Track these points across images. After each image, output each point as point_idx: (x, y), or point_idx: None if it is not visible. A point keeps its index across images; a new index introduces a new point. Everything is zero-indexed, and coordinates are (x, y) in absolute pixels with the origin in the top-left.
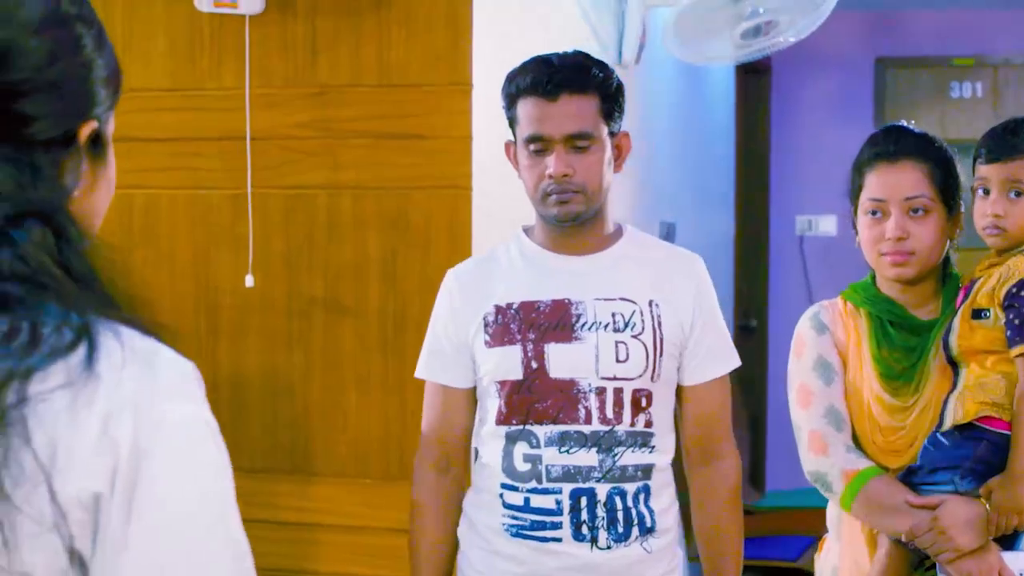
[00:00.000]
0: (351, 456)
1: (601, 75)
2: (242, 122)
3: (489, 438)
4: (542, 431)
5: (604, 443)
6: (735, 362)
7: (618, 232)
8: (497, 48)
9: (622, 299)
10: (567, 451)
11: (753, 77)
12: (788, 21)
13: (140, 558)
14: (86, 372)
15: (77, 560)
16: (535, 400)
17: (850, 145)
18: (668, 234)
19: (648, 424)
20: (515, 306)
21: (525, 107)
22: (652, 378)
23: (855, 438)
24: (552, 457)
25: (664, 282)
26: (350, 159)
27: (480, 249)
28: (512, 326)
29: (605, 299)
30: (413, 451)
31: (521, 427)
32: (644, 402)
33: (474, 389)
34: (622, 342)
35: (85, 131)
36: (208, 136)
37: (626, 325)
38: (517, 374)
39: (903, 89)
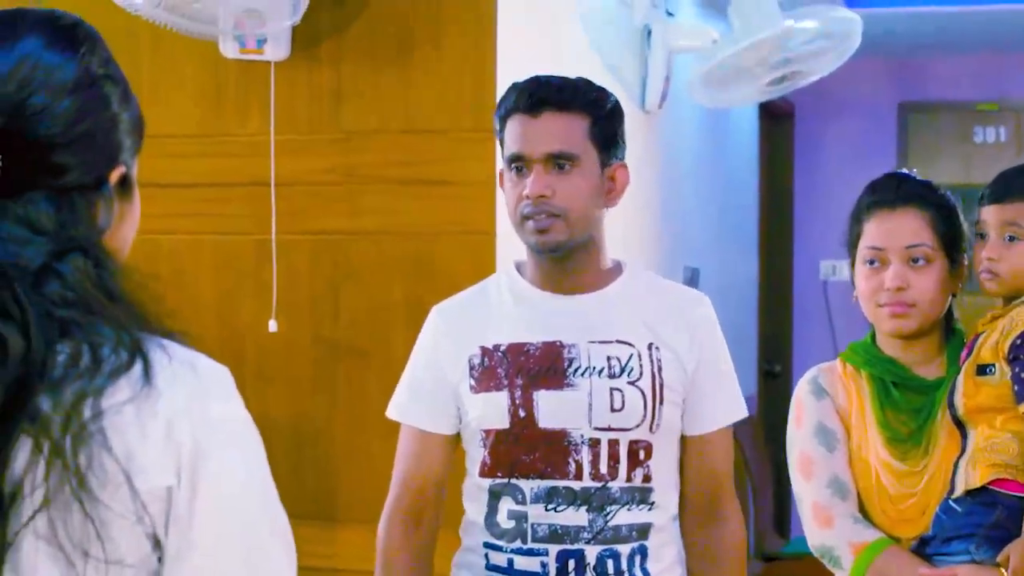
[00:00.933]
0: (376, 501)
1: (593, 95)
2: (267, 168)
3: (474, 491)
4: (528, 486)
5: (596, 501)
6: (742, 412)
7: (617, 269)
8: None
9: (619, 342)
10: (554, 509)
11: (777, 122)
12: (814, 69)
13: (205, 532)
14: (147, 386)
15: (156, 544)
16: (522, 452)
17: None
18: (692, 279)
19: (647, 479)
20: (503, 348)
21: (511, 126)
22: (651, 428)
23: (862, 509)
24: (538, 515)
25: (665, 324)
26: (375, 205)
27: None
28: (499, 370)
29: (600, 342)
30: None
31: (506, 481)
32: (642, 454)
33: (455, 436)
34: (618, 389)
35: (114, 176)
36: (233, 182)
37: (623, 370)
38: (503, 423)
39: (926, 134)
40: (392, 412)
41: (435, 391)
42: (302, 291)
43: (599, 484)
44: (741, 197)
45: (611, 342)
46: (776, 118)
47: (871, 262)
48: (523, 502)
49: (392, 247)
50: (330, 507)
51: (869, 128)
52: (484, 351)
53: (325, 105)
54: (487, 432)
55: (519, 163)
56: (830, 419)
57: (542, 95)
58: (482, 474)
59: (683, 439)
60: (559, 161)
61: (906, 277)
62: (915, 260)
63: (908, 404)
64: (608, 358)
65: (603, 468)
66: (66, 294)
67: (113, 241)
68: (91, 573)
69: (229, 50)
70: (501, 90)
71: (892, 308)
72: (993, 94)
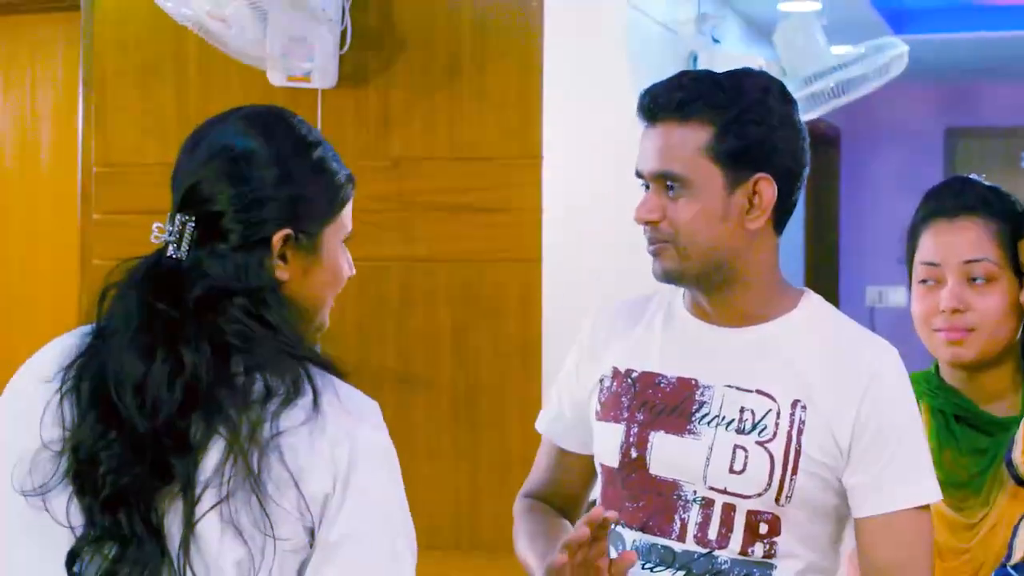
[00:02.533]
0: (422, 528)
1: (720, 99)
2: None
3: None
4: (630, 537)
5: (697, 568)
6: (925, 495)
7: (792, 301)
8: (567, 122)
9: (759, 392)
10: (651, 568)
11: (823, 147)
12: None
13: (349, 530)
14: (316, 411)
15: (311, 535)
16: (627, 498)
17: None
18: None
19: (769, 555)
20: (635, 375)
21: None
22: (779, 500)
23: None
24: (634, 571)
25: (824, 378)
26: (422, 231)
27: (551, 321)
28: (623, 399)
29: (738, 388)
30: (484, 523)
31: (611, 527)
32: (764, 528)
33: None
34: (742, 447)
35: (277, 238)
36: None
37: (753, 427)
38: (614, 460)
39: (974, 160)
40: (538, 423)
41: (573, 407)
42: (349, 317)
43: (704, 551)
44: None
45: (750, 391)
46: (822, 143)
47: (925, 280)
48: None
49: (439, 274)
50: None
51: (916, 154)
52: (615, 373)
53: (372, 132)
54: (603, 468)
55: (641, 180)
56: None
57: (661, 100)
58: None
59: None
60: (666, 182)
61: (964, 297)
62: (975, 278)
63: (970, 444)
64: (741, 409)
65: (711, 533)
66: (233, 327)
67: (298, 290)
68: (261, 550)
69: (277, 78)
70: (547, 116)
71: (948, 333)
72: None
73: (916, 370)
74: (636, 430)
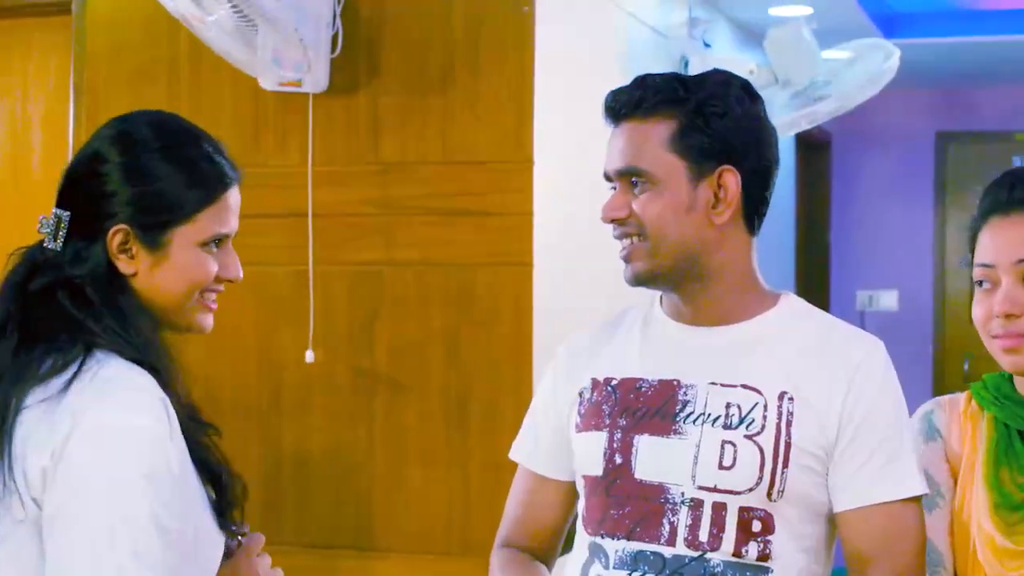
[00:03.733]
0: (414, 532)
1: (679, 93)
2: (304, 199)
3: (578, 547)
4: (613, 547)
5: (688, 573)
6: (911, 487)
7: (771, 301)
8: (559, 126)
9: (744, 387)
10: None
11: (814, 152)
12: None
13: (60, 504)
14: (64, 389)
15: (37, 505)
16: (611, 506)
17: (911, 219)
18: None
19: (764, 557)
20: (614, 382)
21: None
22: (770, 495)
23: None
24: None
25: (809, 370)
26: (413, 236)
27: (542, 326)
28: (604, 407)
29: (722, 385)
30: (477, 527)
31: (595, 538)
32: (757, 526)
33: (573, 484)
34: (730, 442)
35: (111, 233)
36: (271, 213)
37: (740, 421)
38: (597, 469)
39: (964, 163)
40: (512, 452)
41: (551, 432)
42: (340, 322)
43: (695, 554)
44: (777, 227)
45: (735, 387)
46: (813, 148)
47: (981, 283)
48: (607, 566)
49: (430, 278)
50: (368, 538)
51: (907, 158)
52: (595, 384)
53: (363, 137)
54: (585, 479)
55: (609, 183)
56: (937, 468)
57: (623, 99)
58: (583, 527)
59: (834, 516)
60: (631, 179)
61: (1019, 300)
62: None
63: None
64: (727, 405)
65: (702, 535)
66: (52, 313)
67: (144, 284)
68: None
69: (268, 82)
70: (539, 121)
71: (1003, 341)
72: None
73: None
74: (619, 436)
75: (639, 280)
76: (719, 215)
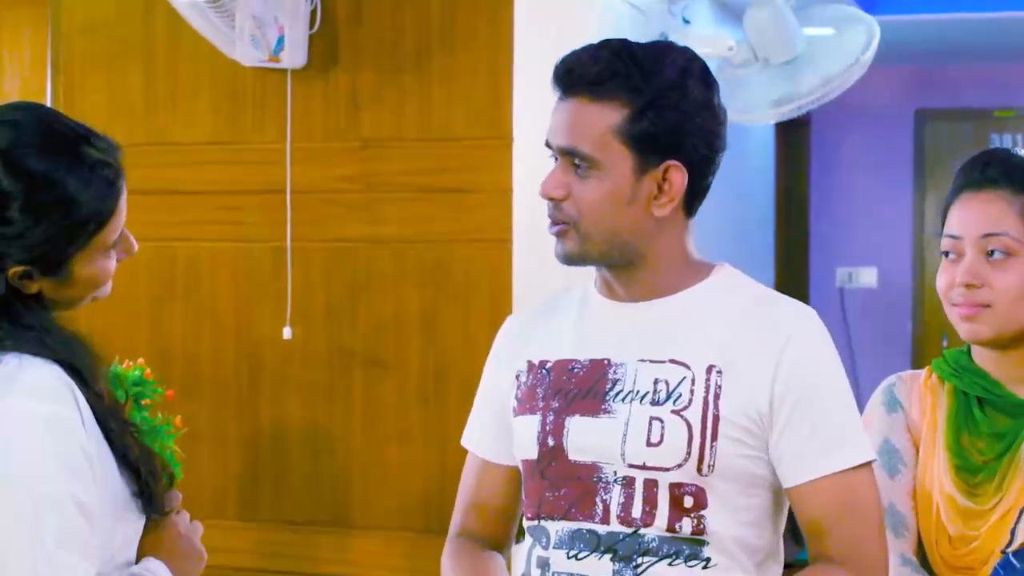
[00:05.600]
0: (392, 509)
1: (634, 81)
2: (283, 176)
3: (526, 533)
4: (553, 528)
5: (623, 549)
6: (858, 454)
7: (703, 272)
8: (538, 102)
9: (672, 362)
10: (575, 556)
11: (792, 129)
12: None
13: None
14: None
15: None
16: (547, 488)
17: (890, 196)
18: None
19: (698, 531)
20: (548, 365)
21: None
22: (700, 469)
23: (921, 548)
24: (559, 562)
25: (740, 343)
26: (391, 213)
27: (522, 303)
28: (538, 390)
29: (651, 361)
30: (453, 504)
31: (536, 522)
32: (689, 502)
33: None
34: (657, 418)
35: (11, 274)
36: (250, 190)
37: (668, 397)
38: (532, 452)
39: (943, 141)
40: (463, 438)
41: (494, 414)
42: (318, 299)
43: (629, 530)
44: (756, 205)
45: (663, 362)
46: (791, 125)
47: (947, 254)
48: (547, 547)
49: (408, 255)
50: (346, 515)
51: (886, 135)
52: (530, 367)
53: (342, 113)
54: (523, 463)
55: (550, 152)
56: (898, 437)
57: (576, 72)
58: (525, 512)
59: (787, 493)
60: (574, 160)
61: (979, 272)
62: (991, 252)
63: (990, 427)
64: (655, 381)
65: (635, 512)
66: None
67: (58, 297)
68: None
69: (246, 58)
70: (518, 98)
71: (962, 309)
72: (1010, 101)
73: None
74: (552, 418)
75: (569, 260)
76: (660, 208)
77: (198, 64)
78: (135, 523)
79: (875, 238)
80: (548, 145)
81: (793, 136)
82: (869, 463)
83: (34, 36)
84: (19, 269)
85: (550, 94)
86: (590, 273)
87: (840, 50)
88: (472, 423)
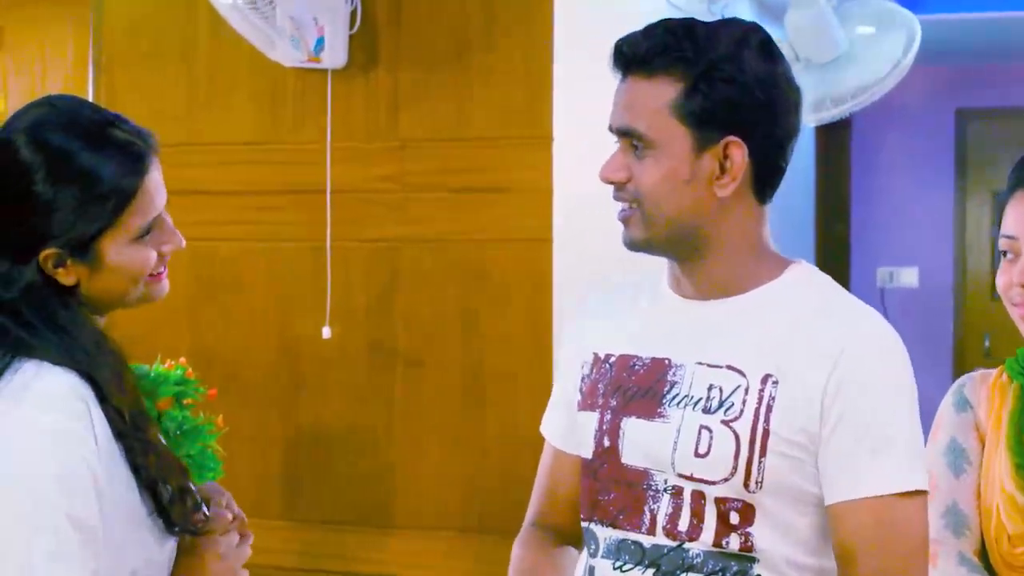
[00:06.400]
0: (431, 509)
1: (688, 53)
2: (323, 175)
3: None
4: (602, 535)
5: (666, 564)
6: (905, 480)
7: (776, 271)
8: (577, 101)
9: (729, 368)
10: (620, 568)
11: (833, 129)
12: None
13: None
14: None
15: None
16: (599, 491)
17: (931, 196)
18: None
19: (746, 548)
20: (612, 359)
21: None
22: (748, 485)
23: (983, 548)
24: (605, 572)
25: (796, 348)
26: (430, 212)
27: (561, 301)
28: (600, 386)
29: (709, 365)
30: (493, 503)
31: (587, 524)
32: (736, 518)
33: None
34: (707, 427)
35: (42, 258)
36: (289, 189)
37: (720, 405)
38: (588, 451)
39: (984, 140)
40: (542, 424)
41: (567, 404)
42: (357, 298)
43: (673, 544)
44: (798, 204)
45: (720, 367)
46: (832, 126)
47: (1005, 253)
48: (595, 554)
49: (447, 254)
50: (385, 514)
51: (926, 135)
52: (595, 360)
53: (381, 113)
54: (581, 461)
55: (614, 137)
56: (965, 436)
57: (628, 51)
58: (580, 512)
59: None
60: (632, 141)
61: None
62: None
63: None
64: (710, 387)
65: (682, 525)
66: None
67: (88, 291)
68: None
69: (287, 58)
70: (557, 96)
71: (1020, 309)
72: None
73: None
74: (609, 417)
75: (634, 246)
76: (722, 188)
77: (239, 64)
78: (158, 543)
79: (916, 238)
80: (610, 130)
81: (833, 136)
82: (919, 493)
83: (76, 35)
84: (50, 252)
85: (589, 92)
86: (628, 269)
87: (882, 50)
88: (548, 408)
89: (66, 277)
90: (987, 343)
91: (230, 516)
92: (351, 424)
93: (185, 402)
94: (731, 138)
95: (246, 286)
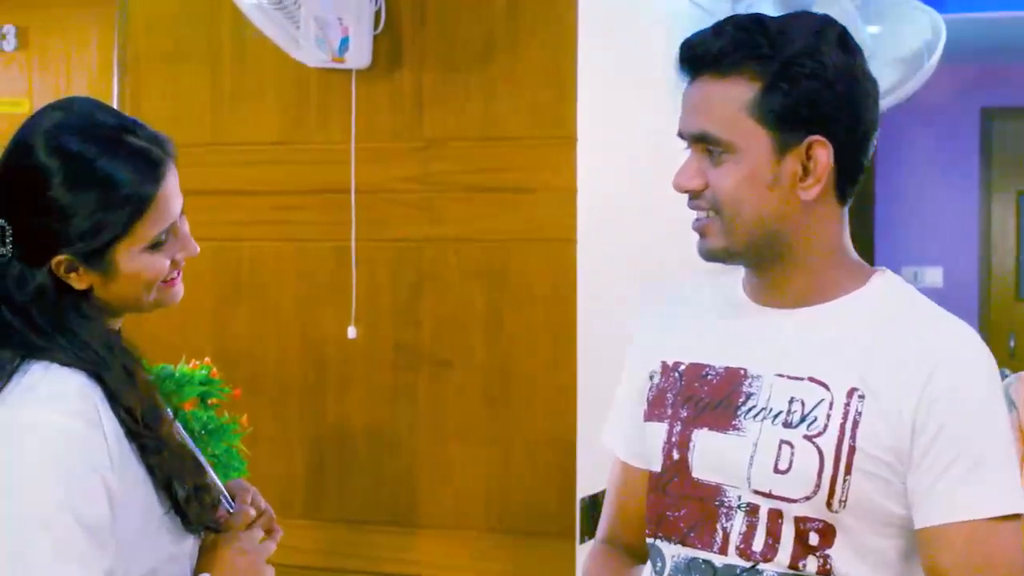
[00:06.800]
0: (456, 509)
1: (763, 49)
2: (347, 175)
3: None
4: (669, 552)
5: None
6: (1001, 504)
7: (860, 279)
8: (602, 100)
9: (811, 380)
10: None
11: None
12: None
13: None
14: None
15: None
16: (668, 506)
17: (956, 196)
18: None
19: (824, 570)
20: (682, 367)
21: None
22: (830, 505)
23: None
24: None
25: (884, 365)
26: (454, 212)
27: (586, 302)
28: (669, 395)
29: (789, 377)
30: (517, 504)
31: (653, 540)
32: (815, 538)
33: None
34: (788, 442)
35: (54, 264)
36: (314, 189)
37: (802, 419)
38: (656, 464)
39: (1010, 139)
40: (604, 437)
41: (630, 415)
42: (382, 298)
43: (747, 564)
44: None
45: (801, 379)
46: None
47: None
48: (661, 572)
49: (472, 254)
50: (411, 514)
51: (951, 134)
52: (664, 368)
53: (406, 113)
54: (649, 474)
55: (682, 141)
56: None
57: (699, 51)
58: (645, 526)
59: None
60: (707, 146)
61: None
62: None
63: None
64: (791, 400)
65: (756, 544)
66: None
67: (104, 295)
68: None
69: (311, 58)
70: (582, 97)
71: None
72: None
73: None
74: (679, 429)
75: (713, 257)
76: (807, 190)
77: (263, 65)
78: (176, 540)
79: (941, 238)
80: (680, 136)
81: None
82: (1015, 517)
83: (101, 35)
84: (62, 259)
85: (614, 92)
86: (653, 270)
87: (905, 50)
88: (611, 419)
89: (78, 282)
90: (1012, 344)
91: (253, 512)
92: (375, 424)
93: (210, 402)
94: (815, 137)
95: (270, 286)
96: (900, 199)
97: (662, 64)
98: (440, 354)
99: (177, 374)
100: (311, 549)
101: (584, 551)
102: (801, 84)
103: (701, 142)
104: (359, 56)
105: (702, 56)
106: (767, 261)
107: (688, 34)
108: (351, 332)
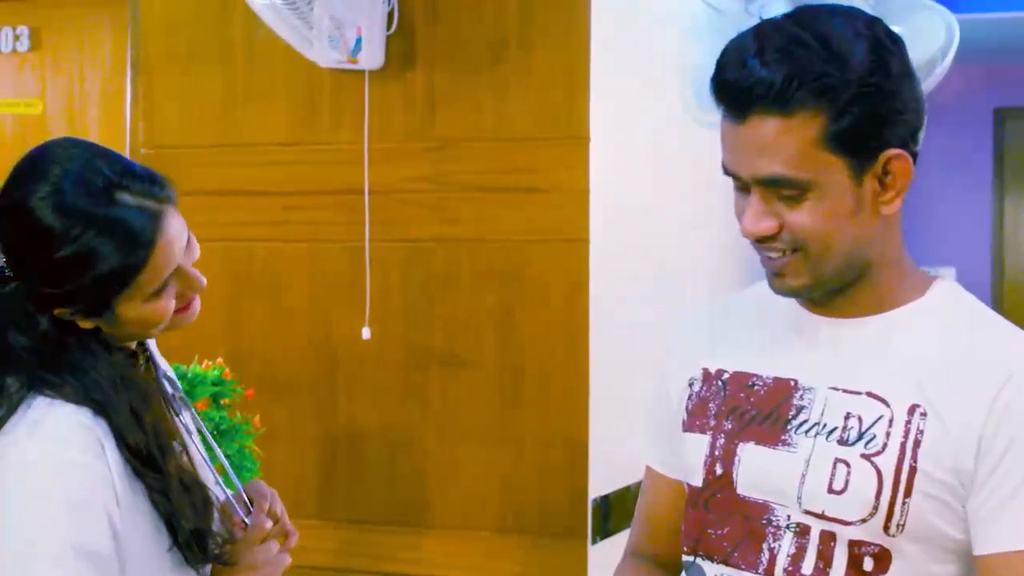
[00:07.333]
0: (468, 509)
1: (828, 78)
2: (360, 176)
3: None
4: (711, 572)
5: None
6: None
7: (920, 289)
8: (615, 101)
9: (869, 395)
10: None
11: None
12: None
13: None
14: None
15: None
16: (709, 523)
17: (969, 197)
18: None
19: None
20: (726, 376)
21: (721, 124)
22: (888, 528)
23: None
24: None
25: (948, 379)
26: (468, 213)
27: (598, 302)
28: (711, 405)
29: (844, 391)
30: (528, 504)
31: (692, 558)
32: (870, 564)
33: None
34: (844, 461)
35: (57, 314)
36: (327, 190)
37: (859, 437)
38: (697, 478)
39: (1023, 140)
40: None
41: (666, 425)
42: (395, 299)
43: None
44: None
45: (858, 394)
46: None
47: None
48: None
49: (485, 255)
50: (422, 514)
51: (964, 135)
52: (706, 376)
53: (418, 114)
54: (688, 487)
55: (735, 180)
56: None
57: (747, 86)
58: (682, 543)
59: (975, 560)
60: (779, 190)
61: None
62: None
63: None
64: (847, 416)
65: (805, 567)
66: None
67: (114, 331)
68: None
69: (324, 59)
70: (594, 97)
71: None
72: None
73: None
74: (723, 441)
75: (795, 294)
76: (888, 204)
77: (275, 65)
78: (185, 573)
79: (953, 238)
80: (730, 174)
81: None
82: None
83: (114, 37)
84: (63, 311)
85: (626, 92)
86: (665, 270)
87: (920, 49)
88: (646, 429)
89: (84, 323)
90: None
91: (269, 524)
92: (388, 424)
93: (223, 402)
94: (892, 152)
95: (283, 287)
96: (912, 199)
97: (674, 63)
98: (452, 354)
99: (190, 374)
100: (322, 549)
101: (596, 552)
102: (872, 103)
103: (772, 186)
104: (372, 57)
105: (759, 95)
106: (846, 282)
107: (700, 36)
108: (366, 333)
